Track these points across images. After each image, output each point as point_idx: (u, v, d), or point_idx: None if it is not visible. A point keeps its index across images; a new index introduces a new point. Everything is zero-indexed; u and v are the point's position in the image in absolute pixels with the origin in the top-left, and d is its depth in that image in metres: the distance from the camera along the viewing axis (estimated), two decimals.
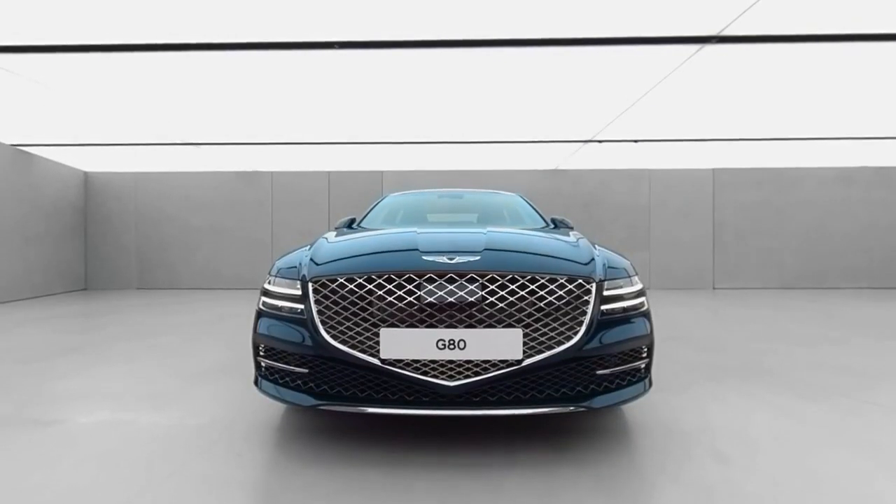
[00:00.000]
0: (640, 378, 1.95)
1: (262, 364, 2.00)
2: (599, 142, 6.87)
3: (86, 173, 8.92)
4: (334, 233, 2.76)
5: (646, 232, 8.92)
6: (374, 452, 1.89)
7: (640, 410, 2.36)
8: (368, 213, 3.78)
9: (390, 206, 3.90)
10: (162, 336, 4.33)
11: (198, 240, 9.01)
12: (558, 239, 2.37)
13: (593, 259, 2.03)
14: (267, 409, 2.40)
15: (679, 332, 4.51)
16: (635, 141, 6.85)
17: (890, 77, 4.44)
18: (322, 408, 1.78)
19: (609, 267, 2.02)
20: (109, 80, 4.47)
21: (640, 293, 2.01)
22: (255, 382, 2.03)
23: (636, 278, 2.07)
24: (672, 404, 2.46)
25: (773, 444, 1.97)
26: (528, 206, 3.87)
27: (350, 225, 3.50)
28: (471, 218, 3.93)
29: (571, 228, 3.42)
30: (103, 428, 2.18)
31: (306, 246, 2.36)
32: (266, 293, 2.05)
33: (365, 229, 3.08)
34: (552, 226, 3.40)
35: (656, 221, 8.92)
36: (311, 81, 4.52)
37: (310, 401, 1.81)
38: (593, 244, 2.32)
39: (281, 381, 1.92)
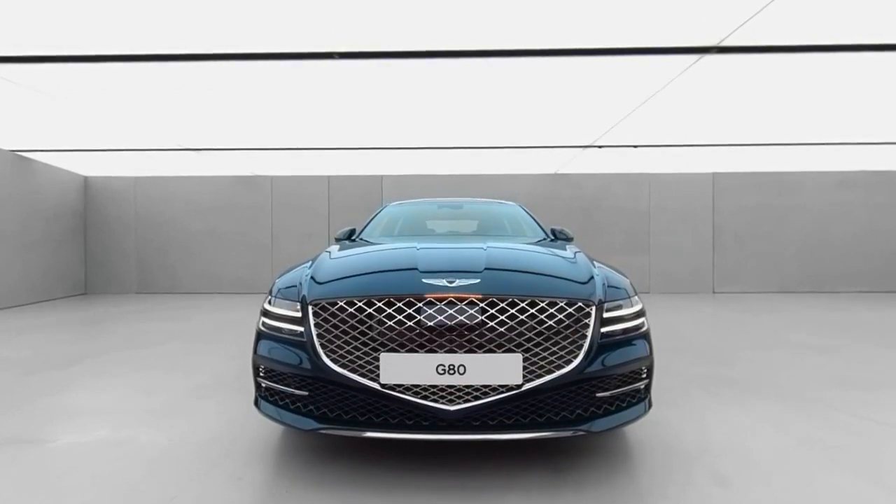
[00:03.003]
0: (639, 399, 1.95)
1: (262, 385, 2.00)
2: (599, 147, 6.87)
3: (85, 178, 8.92)
4: (337, 246, 2.77)
5: (645, 236, 8.92)
6: (374, 474, 1.89)
7: (640, 426, 2.36)
8: (369, 223, 3.78)
9: (390, 216, 3.90)
10: (162, 345, 4.33)
11: (198, 244, 9.01)
12: (557, 255, 2.38)
13: (592, 278, 2.03)
14: (267, 426, 2.40)
15: (679, 341, 4.51)
16: (635, 146, 6.85)
17: (887, 84, 4.45)
18: (322, 432, 1.78)
19: (609, 286, 2.02)
20: (111, 88, 4.46)
21: (639, 314, 2.01)
22: (255, 403, 2.03)
23: (636, 298, 2.07)
24: (670, 418, 2.47)
25: (775, 466, 1.97)
26: (527, 216, 3.88)
27: (350, 236, 3.50)
28: (471, 226, 3.94)
29: (571, 239, 3.44)
30: (99, 447, 2.17)
31: (307, 262, 2.36)
32: (266, 314, 2.05)
33: (365, 241, 3.09)
34: (551, 237, 3.40)
35: (656, 225, 8.92)
36: (311, 90, 4.52)
37: (311, 424, 1.81)
38: (591, 260, 2.32)
39: (281, 403, 1.92)
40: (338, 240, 3.45)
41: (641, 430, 2.33)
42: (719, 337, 4.70)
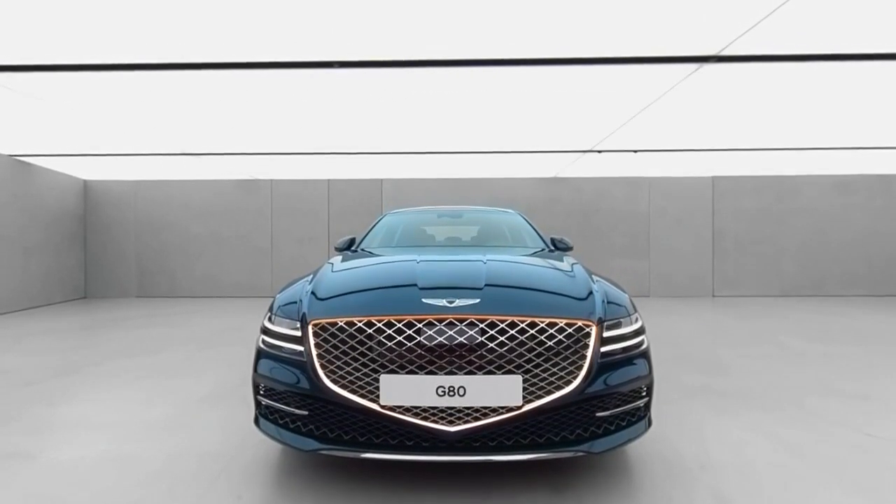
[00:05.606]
0: (639, 417, 1.95)
1: (262, 403, 1.99)
2: (599, 152, 6.87)
3: (85, 182, 8.91)
4: (339, 258, 2.79)
5: (645, 239, 8.92)
6: (375, 492, 1.89)
7: (639, 440, 2.35)
8: (369, 232, 3.78)
9: (390, 224, 3.90)
10: (162, 352, 4.33)
11: (197, 247, 9.00)
12: (556, 269, 2.38)
13: (591, 293, 2.02)
14: (267, 441, 2.39)
15: (678, 348, 4.50)
16: (635, 151, 6.85)
17: (885, 91, 4.46)
18: (322, 452, 1.78)
19: (608, 303, 2.02)
20: (112, 96, 4.46)
21: (639, 331, 2.01)
22: (255, 421, 2.03)
23: (636, 315, 2.06)
24: (669, 432, 2.46)
25: (777, 483, 1.97)
26: (527, 224, 3.88)
27: (350, 246, 3.50)
28: (471, 233, 3.94)
29: (570, 249, 3.45)
30: (97, 463, 2.17)
31: (308, 276, 2.36)
32: (266, 331, 2.05)
33: (366, 252, 3.10)
34: (551, 247, 3.41)
35: (656, 229, 8.92)
36: (311, 97, 4.52)
37: (311, 444, 1.81)
38: (590, 274, 2.32)
39: (281, 422, 1.92)
40: (338, 249, 3.46)
41: (640, 445, 2.32)
42: (719, 342, 4.69)
